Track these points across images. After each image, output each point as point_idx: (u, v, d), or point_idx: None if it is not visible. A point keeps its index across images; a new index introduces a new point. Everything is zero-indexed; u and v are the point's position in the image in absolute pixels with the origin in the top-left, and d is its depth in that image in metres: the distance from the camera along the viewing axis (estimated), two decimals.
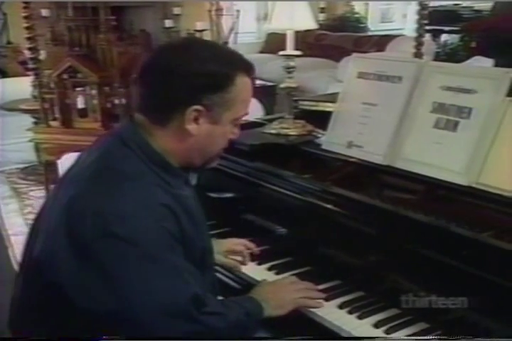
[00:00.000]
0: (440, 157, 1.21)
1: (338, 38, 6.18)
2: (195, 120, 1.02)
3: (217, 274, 1.31)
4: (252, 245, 1.36)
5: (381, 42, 5.37)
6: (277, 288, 1.18)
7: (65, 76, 3.15)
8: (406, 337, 1.05)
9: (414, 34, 3.01)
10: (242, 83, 1.05)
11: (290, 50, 1.60)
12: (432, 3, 3.99)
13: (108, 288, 0.92)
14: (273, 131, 1.61)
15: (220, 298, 1.16)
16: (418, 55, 2.91)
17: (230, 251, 1.34)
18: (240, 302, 1.10)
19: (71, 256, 0.93)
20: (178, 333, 0.95)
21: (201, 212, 1.14)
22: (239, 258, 1.33)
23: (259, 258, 1.33)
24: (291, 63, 1.62)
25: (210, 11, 5.28)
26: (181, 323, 0.96)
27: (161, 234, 0.96)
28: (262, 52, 6.58)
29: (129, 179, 0.98)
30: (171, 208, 0.99)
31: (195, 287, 0.99)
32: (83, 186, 0.98)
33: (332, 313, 1.12)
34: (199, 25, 4.31)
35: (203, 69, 1.01)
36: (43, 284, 0.98)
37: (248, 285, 1.23)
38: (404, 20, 7.61)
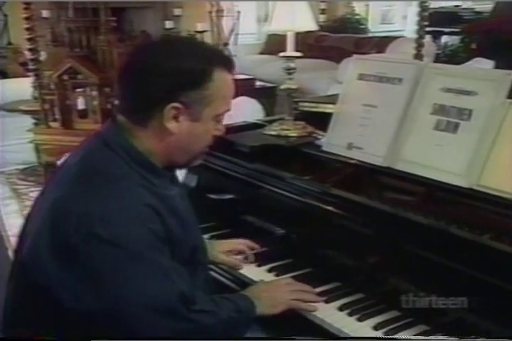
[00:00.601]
0: (440, 159, 1.21)
1: (338, 39, 6.18)
2: (175, 118, 1.02)
3: (218, 276, 1.31)
4: (254, 245, 1.36)
5: (381, 44, 5.36)
6: (272, 288, 1.18)
7: (65, 77, 3.16)
8: (406, 337, 1.05)
9: (415, 35, 3.01)
10: (221, 79, 1.04)
11: (290, 51, 1.59)
12: (432, 5, 3.99)
13: (93, 289, 0.92)
14: (273, 133, 1.61)
15: None
16: (418, 56, 2.91)
17: (233, 250, 1.34)
18: (233, 299, 1.10)
19: (56, 257, 0.93)
20: (168, 332, 0.96)
21: (191, 211, 1.13)
22: (240, 257, 1.33)
23: (259, 260, 1.33)
24: (292, 64, 1.62)
25: (210, 12, 5.28)
26: (170, 322, 0.96)
27: (145, 235, 0.95)
28: (262, 53, 6.58)
29: (112, 180, 0.98)
30: (156, 208, 0.98)
31: (182, 286, 0.98)
32: (67, 188, 0.99)
33: (332, 315, 1.11)
34: (199, 27, 4.32)
35: (178, 67, 1.01)
36: (30, 285, 0.98)
37: (247, 286, 1.22)
38: (405, 22, 7.61)
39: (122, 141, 1.03)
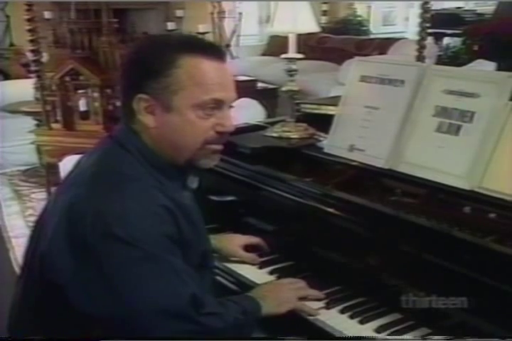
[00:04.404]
0: (442, 161, 1.20)
1: (340, 40, 6.18)
2: (151, 111, 1.02)
3: (220, 278, 1.30)
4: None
5: (383, 45, 5.38)
6: (276, 287, 1.18)
7: (67, 78, 3.16)
8: (406, 338, 1.04)
9: (417, 37, 3.01)
10: (191, 65, 1.00)
11: (292, 52, 1.59)
12: (434, 7, 3.98)
13: (107, 288, 0.92)
14: (275, 134, 1.61)
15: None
16: (420, 58, 2.91)
17: (247, 244, 1.34)
18: (238, 301, 1.10)
19: (71, 256, 0.93)
20: (177, 334, 0.95)
21: (200, 216, 1.13)
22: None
23: (260, 262, 1.33)
24: (293, 66, 1.61)
25: (212, 13, 5.30)
26: (180, 324, 0.96)
27: (160, 236, 0.95)
28: (264, 54, 6.58)
29: (128, 180, 0.98)
30: (170, 210, 0.98)
31: (193, 288, 0.98)
32: (83, 188, 0.98)
33: (334, 318, 1.11)
34: (201, 28, 4.33)
35: (138, 58, 1.04)
36: (43, 286, 0.98)
37: (249, 289, 1.22)
38: (407, 23, 7.62)
39: (135, 141, 1.04)
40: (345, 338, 1.07)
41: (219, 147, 1.08)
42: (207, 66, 1.02)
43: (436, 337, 1.03)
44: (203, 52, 1.02)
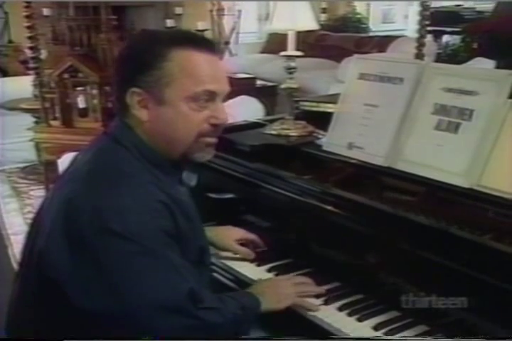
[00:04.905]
0: (441, 159, 1.20)
1: (339, 38, 6.17)
2: (144, 105, 1.02)
3: (217, 275, 1.31)
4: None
5: (382, 43, 5.37)
6: (275, 283, 1.18)
7: (65, 75, 3.15)
8: (405, 337, 1.05)
9: (416, 35, 3.00)
10: (183, 58, 1.01)
11: (291, 50, 1.59)
12: (433, 4, 3.98)
13: (105, 284, 0.92)
14: (274, 132, 1.61)
15: None
16: (419, 56, 2.91)
17: (243, 239, 1.35)
18: (237, 297, 1.10)
19: (69, 252, 0.93)
20: (175, 329, 0.95)
21: (196, 212, 1.13)
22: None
23: (258, 260, 1.33)
24: (292, 64, 1.61)
25: (211, 10, 5.28)
26: (178, 318, 0.96)
27: (157, 231, 0.96)
28: (263, 52, 6.57)
29: (125, 176, 0.99)
30: (167, 205, 0.99)
31: (191, 282, 0.98)
32: (80, 184, 0.99)
33: (331, 315, 1.11)
34: (200, 25, 4.32)
35: (130, 52, 1.06)
36: (41, 282, 0.98)
37: (248, 286, 1.22)
38: (406, 21, 7.62)
39: (131, 137, 1.04)
40: (345, 338, 1.07)
41: (213, 140, 1.08)
42: (198, 58, 1.02)
43: (435, 336, 1.04)
44: (193, 45, 1.03)
